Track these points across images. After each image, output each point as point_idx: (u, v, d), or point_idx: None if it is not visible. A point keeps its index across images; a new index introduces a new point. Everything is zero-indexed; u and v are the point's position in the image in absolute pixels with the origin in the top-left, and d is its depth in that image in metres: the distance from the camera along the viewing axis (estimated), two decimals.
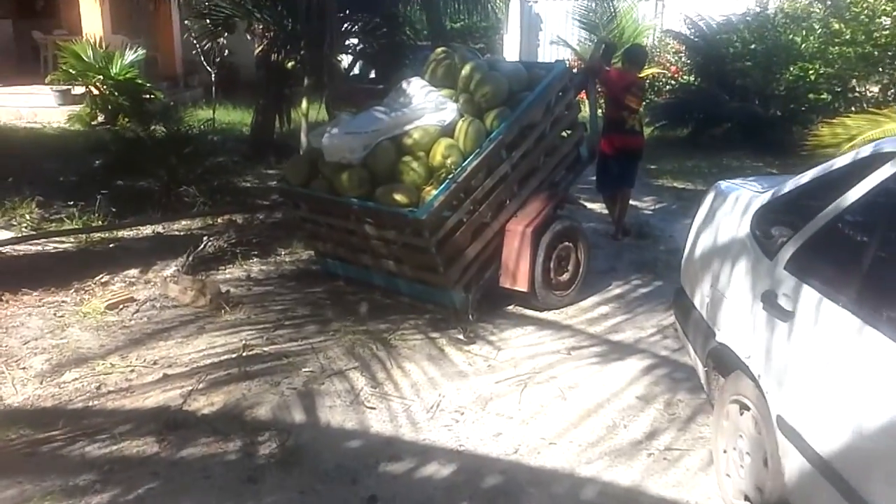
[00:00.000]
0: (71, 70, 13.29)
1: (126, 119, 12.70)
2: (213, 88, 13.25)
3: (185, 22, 12.51)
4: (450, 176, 5.06)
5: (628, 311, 5.69)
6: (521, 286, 5.40)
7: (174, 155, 8.33)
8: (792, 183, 3.23)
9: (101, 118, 13.30)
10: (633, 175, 7.45)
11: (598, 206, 8.48)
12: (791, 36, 12.00)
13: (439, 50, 6.01)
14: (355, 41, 9.54)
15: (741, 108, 12.75)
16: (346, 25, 9.44)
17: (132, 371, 4.31)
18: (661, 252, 7.14)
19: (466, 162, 5.15)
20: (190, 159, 8.54)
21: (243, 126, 13.61)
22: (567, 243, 5.69)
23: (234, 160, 10.15)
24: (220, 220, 7.31)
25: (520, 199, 5.54)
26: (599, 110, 7.35)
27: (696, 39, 13.62)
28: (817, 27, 11.92)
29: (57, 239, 6.53)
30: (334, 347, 4.70)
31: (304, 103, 8.62)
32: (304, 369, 4.39)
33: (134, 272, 5.86)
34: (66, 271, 5.76)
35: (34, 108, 13.68)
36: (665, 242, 7.49)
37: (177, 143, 8.59)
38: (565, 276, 5.71)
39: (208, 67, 13.14)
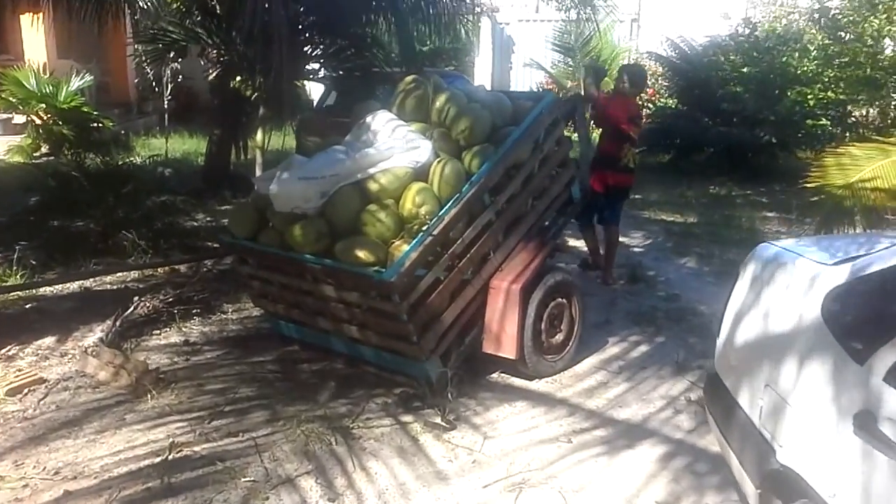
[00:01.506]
0: (11, 98, 12.36)
1: (70, 151, 11.78)
2: (166, 116, 12.38)
3: (137, 46, 11.64)
4: (423, 228, 4.25)
5: (630, 377, 4.91)
6: (508, 353, 4.58)
7: (112, 193, 7.44)
8: (883, 257, 2.45)
9: (44, 149, 12.35)
10: (619, 211, 6.72)
11: (581, 244, 7.78)
12: (785, 59, 11.36)
13: (409, 78, 5.20)
14: (317, 66, 8.67)
15: (725, 133, 12.14)
16: (307, 48, 8.61)
17: (25, 486, 3.40)
18: (658, 299, 6.40)
19: (443, 210, 4.34)
20: (131, 198, 7.66)
21: (199, 156, 12.72)
22: (560, 299, 4.89)
23: (182, 197, 9.25)
24: (160, 271, 6.41)
25: (505, 251, 4.74)
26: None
27: (678, 62, 12.99)
28: (812, 49, 11.31)
29: None
30: (283, 444, 3.81)
31: (260, 134, 7.78)
32: (243, 478, 3.50)
33: (49, 341, 4.95)
34: None
35: None
36: (662, 287, 6.76)
37: (115, 179, 7.70)
38: (558, 338, 4.91)
39: (161, 93, 12.30)
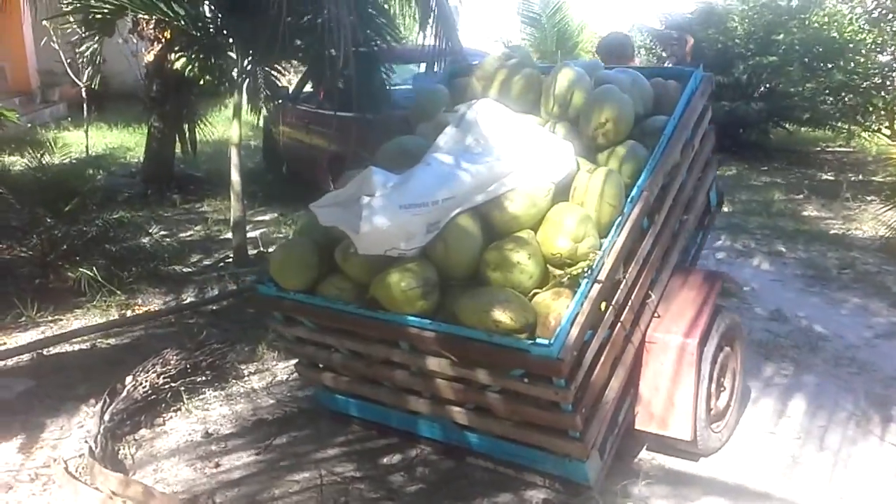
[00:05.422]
0: None
1: None
2: (86, 106, 10.43)
3: (45, 23, 9.60)
4: (586, 272, 2.90)
5: (819, 445, 3.66)
6: (681, 433, 3.31)
7: (51, 210, 5.75)
8: None
9: None
10: None
11: None
12: (818, 24, 10.24)
13: (499, 53, 3.82)
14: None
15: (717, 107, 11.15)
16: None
17: None
18: (762, 319, 5.24)
19: (607, 243, 3.01)
20: (74, 214, 5.98)
21: (126, 151, 10.90)
22: (727, 348, 3.65)
23: (122, 207, 7.58)
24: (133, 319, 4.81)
25: (660, 289, 3.45)
26: None
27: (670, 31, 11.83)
28: (846, 11, 10.22)
29: None
30: None
31: (237, 128, 6.19)
32: None
33: (9, 450, 3.35)
34: None
35: None
36: (753, 301, 5.57)
37: (54, 190, 5.96)
38: (723, 400, 3.66)
39: (77, 80, 10.35)
